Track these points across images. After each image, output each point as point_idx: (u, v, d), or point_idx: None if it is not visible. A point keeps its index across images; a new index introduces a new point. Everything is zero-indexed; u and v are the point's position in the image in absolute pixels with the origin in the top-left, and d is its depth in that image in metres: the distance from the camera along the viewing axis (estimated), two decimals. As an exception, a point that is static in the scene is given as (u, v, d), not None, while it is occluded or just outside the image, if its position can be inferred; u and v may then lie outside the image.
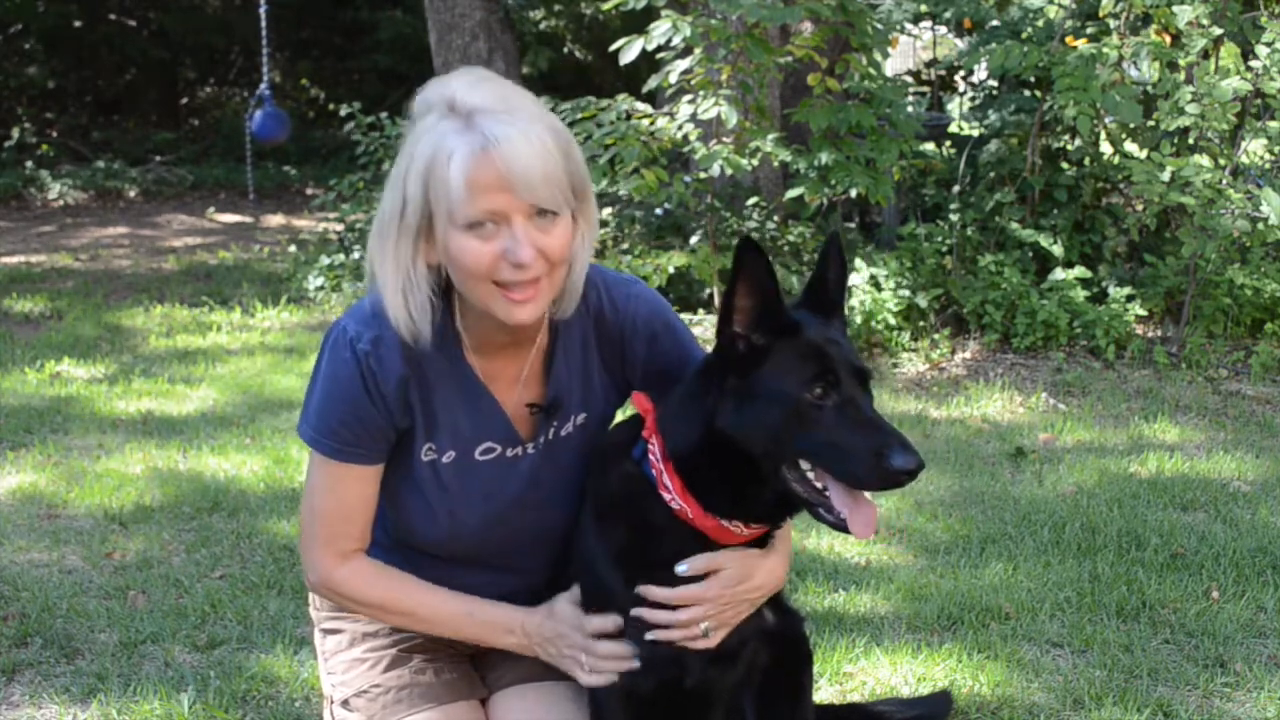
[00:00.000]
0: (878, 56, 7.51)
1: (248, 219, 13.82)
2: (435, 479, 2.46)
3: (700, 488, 2.33)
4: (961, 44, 11.12)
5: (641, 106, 7.40)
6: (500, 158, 2.17)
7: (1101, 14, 7.43)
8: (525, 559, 2.55)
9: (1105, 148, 8.59)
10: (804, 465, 2.24)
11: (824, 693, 3.50)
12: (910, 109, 9.35)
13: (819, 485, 2.24)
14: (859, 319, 7.31)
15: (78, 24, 17.57)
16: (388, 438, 2.41)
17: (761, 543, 2.45)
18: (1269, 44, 7.08)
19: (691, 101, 7.09)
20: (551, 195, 2.22)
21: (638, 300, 2.53)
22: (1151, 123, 7.86)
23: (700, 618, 2.39)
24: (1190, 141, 7.52)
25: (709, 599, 2.39)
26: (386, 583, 2.50)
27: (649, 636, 2.40)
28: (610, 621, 2.42)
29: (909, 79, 12.51)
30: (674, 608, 2.39)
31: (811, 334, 2.29)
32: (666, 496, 2.34)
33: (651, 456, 2.37)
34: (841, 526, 2.22)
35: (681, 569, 2.37)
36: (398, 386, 2.36)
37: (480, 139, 2.18)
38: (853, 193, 7.25)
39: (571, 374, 2.50)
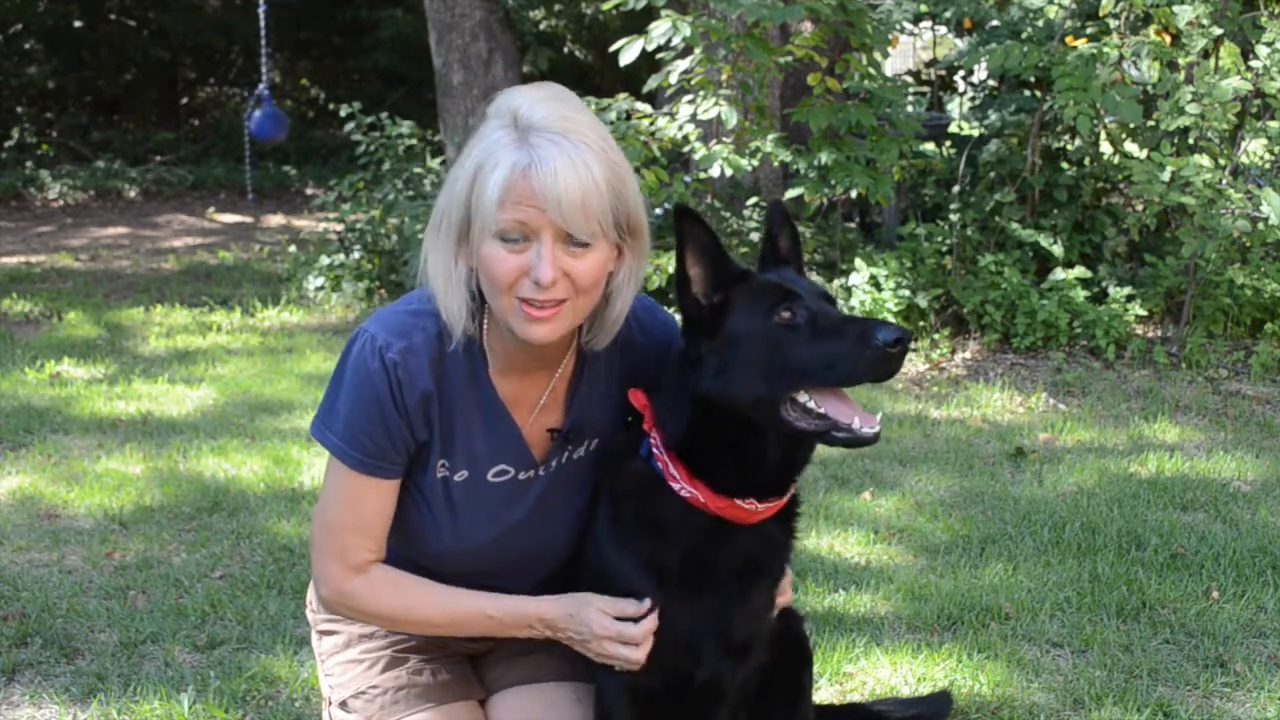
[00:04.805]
0: (878, 56, 7.51)
1: (248, 219, 13.82)
2: (445, 496, 2.45)
3: (705, 469, 2.35)
4: (961, 44, 11.11)
5: (641, 106, 7.40)
6: (539, 179, 2.18)
7: (1101, 14, 7.43)
8: (520, 576, 2.53)
9: (1105, 148, 8.59)
10: (800, 397, 2.25)
11: (824, 693, 3.50)
12: (910, 109, 9.35)
13: (821, 411, 2.25)
14: (859, 319, 7.32)
15: (78, 24, 17.57)
16: (409, 450, 2.40)
17: (785, 519, 2.46)
18: (1269, 44, 7.08)
19: (691, 101, 7.09)
20: (587, 225, 2.21)
21: (666, 327, 2.57)
22: (1151, 123, 7.85)
23: None
24: (1190, 141, 7.52)
25: None
26: (399, 593, 2.46)
27: None
28: (636, 605, 2.40)
29: (909, 79, 12.52)
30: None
31: (764, 275, 2.43)
32: (676, 486, 2.36)
33: (655, 450, 2.39)
34: (854, 438, 2.24)
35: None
36: (420, 401, 2.35)
37: (526, 157, 2.19)
38: (853, 193, 7.26)
39: (594, 401, 2.49)
